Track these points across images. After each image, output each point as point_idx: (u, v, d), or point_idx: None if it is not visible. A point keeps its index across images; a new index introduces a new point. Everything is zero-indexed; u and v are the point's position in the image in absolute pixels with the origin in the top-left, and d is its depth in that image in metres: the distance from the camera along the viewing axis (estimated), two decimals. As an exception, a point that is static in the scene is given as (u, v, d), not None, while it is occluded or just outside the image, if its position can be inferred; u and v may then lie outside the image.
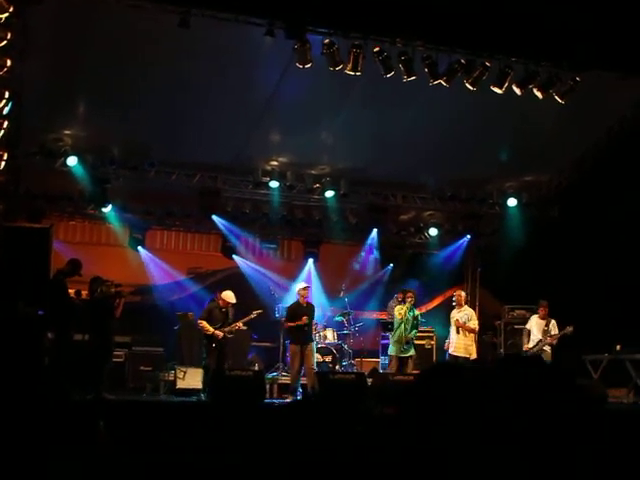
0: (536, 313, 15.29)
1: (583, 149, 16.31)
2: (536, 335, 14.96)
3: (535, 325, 15.10)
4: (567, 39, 12.13)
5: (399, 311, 14.88)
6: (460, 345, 15.05)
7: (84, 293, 13.92)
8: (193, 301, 18.12)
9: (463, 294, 15.94)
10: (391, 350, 15.00)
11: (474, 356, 15.18)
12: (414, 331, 14.93)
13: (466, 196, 17.93)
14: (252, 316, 14.82)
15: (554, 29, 11.87)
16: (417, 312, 15.22)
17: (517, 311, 17.50)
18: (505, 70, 12.77)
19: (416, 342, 15.37)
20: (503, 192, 17.99)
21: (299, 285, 15.47)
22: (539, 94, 13.09)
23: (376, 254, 19.55)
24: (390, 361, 15.16)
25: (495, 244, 19.34)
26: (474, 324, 15.25)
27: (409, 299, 14.94)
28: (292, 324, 14.74)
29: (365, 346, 17.34)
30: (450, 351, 15.12)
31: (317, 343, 15.88)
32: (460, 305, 15.41)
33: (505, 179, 17.83)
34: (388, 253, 19.99)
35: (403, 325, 14.71)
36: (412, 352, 14.92)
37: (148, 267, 18.51)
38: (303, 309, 14.85)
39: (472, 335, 15.23)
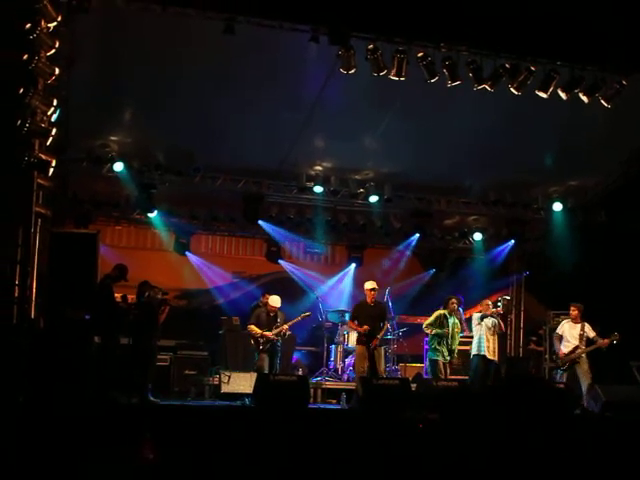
0: (568, 317, 14.83)
1: (629, 153, 16.11)
2: (570, 341, 14.45)
3: (568, 330, 14.60)
4: (612, 42, 12.01)
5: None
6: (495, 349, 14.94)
7: (130, 298, 14.04)
8: (238, 305, 18.26)
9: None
10: (432, 355, 14.68)
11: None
12: (455, 340, 14.64)
13: (511, 201, 17.81)
14: (299, 319, 14.91)
15: (599, 33, 11.76)
16: (456, 320, 14.69)
17: (562, 317, 17.09)
18: (550, 74, 12.63)
19: (460, 347, 15.14)
20: (548, 197, 17.85)
21: (368, 284, 14.60)
22: (585, 98, 12.93)
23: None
24: (433, 367, 14.66)
25: (541, 249, 19.20)
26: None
27: (452, 305, 14.62)
28: (354, 327, 14.45)
29: (408, 351, 17.25)
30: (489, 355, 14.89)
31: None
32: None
33: (550, 184, 17.67)
34: (431, 258, 19.95)
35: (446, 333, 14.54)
36: (449, 358, 14.66)
37: (193, 272, 18.67)
38: (369, 309, 14.39)
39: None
